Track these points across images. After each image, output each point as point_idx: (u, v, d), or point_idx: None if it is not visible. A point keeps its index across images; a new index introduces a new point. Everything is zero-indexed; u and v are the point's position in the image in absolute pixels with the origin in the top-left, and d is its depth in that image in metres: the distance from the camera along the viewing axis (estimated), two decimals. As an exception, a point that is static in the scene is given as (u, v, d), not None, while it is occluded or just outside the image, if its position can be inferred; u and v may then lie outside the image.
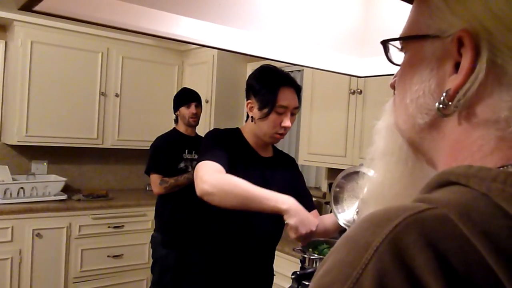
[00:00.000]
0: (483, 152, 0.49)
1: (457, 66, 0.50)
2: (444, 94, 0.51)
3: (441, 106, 0.51)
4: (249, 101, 1.79)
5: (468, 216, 0.41)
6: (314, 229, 1.50)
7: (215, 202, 1.55)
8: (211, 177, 1.55)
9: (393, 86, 0.62)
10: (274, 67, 1.79)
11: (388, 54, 0.62)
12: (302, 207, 1.50)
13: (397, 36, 0.59)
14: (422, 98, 0.54)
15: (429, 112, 0.54)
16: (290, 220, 1.47)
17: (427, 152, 0.57)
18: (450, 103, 0.50)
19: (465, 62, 0.49)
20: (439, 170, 0.52)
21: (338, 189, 1.68)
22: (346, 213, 1.67)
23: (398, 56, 0.61)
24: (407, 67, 0.57)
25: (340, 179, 1.66)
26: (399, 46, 0.60)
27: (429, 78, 0.53)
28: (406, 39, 0.58)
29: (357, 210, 1.60)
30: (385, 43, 0.62)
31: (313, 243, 1.80)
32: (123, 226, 3.92)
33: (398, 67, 0.61)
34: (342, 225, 1.65)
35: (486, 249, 0.39)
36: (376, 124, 0.66)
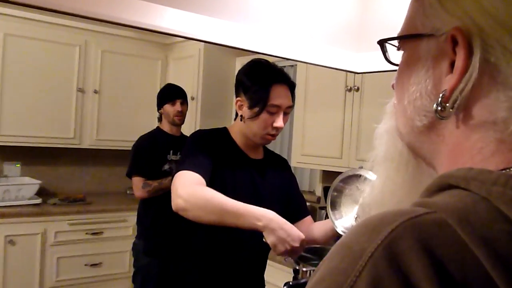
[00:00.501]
0: (483, 154, 0.50)
1: (453, 66, 0.51)
2: (440, 95, 0.52)
3: (438, 108, 0.52)
4: (238, 98, 1.78)
5: (467, 221, 0.42)
6: (296, 245, 1.48)
7: (189, 218, 1.55)
8: (186, 191, 1.54)
9: (393, 87, 0.63)
10: (266, 61, 1.78)
11: (386, 54, 0.64)
12: (283, 221, 1.48)
13: (397, 31, 0.61)
14: (420, 100, 0.55)
15: (427, 114, 0.55)
16: (268, 239, 1.47)
17: (427, 155, 0.58)
18: (446, 104, 0.51)
19: (459, 61, 0.50)
20: (440, 173, 0.53)
21: (335, 193, 1.68)
22: (344, 220, 1.67)
23: (398, 55, 0.62)
24: (405, 67, 0.59)
25: (338, 182, 1.66)
26: (397, 45, 0.61)
27: (426, 78, 0.54)
28: (402, 38, 0.59)
29: (356, 216, 1.61)
30: (382, 43, 0.63)
31: (309, 251, 1.80)
32: (102, 232, 3.90)
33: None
34: (340, 232, 1.65)
35: (484, 255, 0.40)
36: (376, 128, 0.68)
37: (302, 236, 1.51)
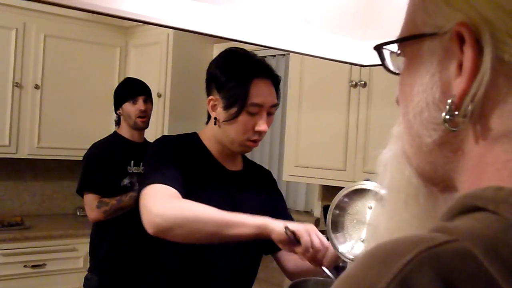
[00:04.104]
0: (510, 169, 0.52)
1: (462, 67, 0.53)
2: (449, 101, 0.54)
3: (447, 117, 0.54)
4: (211, 97, 1.79)
5: (495, 251, 0.43)
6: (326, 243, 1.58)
7: (176, 239, 1.57)
8: (165, 208, 1.56)
9: (398, 102, 0.65)
10: (244, 50, 1.79)
11: (385, 62, 0.67)
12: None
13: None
14: (427, 111, 0.57)
15: (437, 127, 0.57)
16: (292, 226, 1.52)
17: (443, 177, 0.60)
18: (456, 112, 0.54)
19: (467, 62, 0.52)
20: (463, 193, 0.55)
21: (338, 212, 1.70)
22: (349, 244, 1.69)
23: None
24: (406, 75, 0.61)
25: (341, 197, 1.68)
26: (397, 50, 0.63)
27: (432, 85, 0.57)
28: (402, 41, 0.62)
29: (363, 239, 1.63)
30: (379, 49, 0.66)
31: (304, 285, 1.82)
32: (44, 265, 3.87)
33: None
34: (345, 259, 1.67)
35: None
36: (380, 154, 0.70)
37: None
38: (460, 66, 0.53)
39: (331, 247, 1.59)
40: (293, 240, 1.52)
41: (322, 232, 3.29)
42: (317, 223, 3.59)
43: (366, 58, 1.70)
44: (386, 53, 0.66)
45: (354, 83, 2.95)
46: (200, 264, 1.76)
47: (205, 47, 4.36)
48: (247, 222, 1.53)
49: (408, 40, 0.60)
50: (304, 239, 1.52)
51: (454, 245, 0.45)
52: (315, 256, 1.56)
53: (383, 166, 0.69)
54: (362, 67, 2.70)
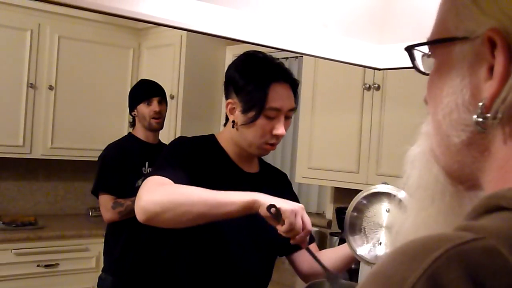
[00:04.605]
0: None
1: (492, 71, 0.56)
2: (480, 104, 0.56)
3: (479, 119, 0.57)
4: (229, 100, 1.80)
5: None
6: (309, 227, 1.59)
7: (166, 224, 1.61)
8: (154, 194, 1.60)
9: (426, 102, 0.68)
10: (263, 54, 1.81)
11: (415, 62, 0.69)
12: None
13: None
14: (456, 112, 0.60)
15: (465, 128, 0.59)
16: (279, 204, 1.53)
17: (470, 176, 0.63)
18: (488, 114, 0.56)
19: (498, 66, 0.55)
20: (488, 193, 0.58)
21: (355, 214, 1.72)
22: (366, 247, 1.71)
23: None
24: (436, 77, 0.64)
25: (360, 199, 1.70)
26: (428, 51, 0.66)
27: (462, 87, 0.59)
28: (433, 43, 0.64)
29: (380, 242, 1.65)
30: (410, 49, 0.68)
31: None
32: (57, 264, 3.89)
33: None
34: (364, 261, 1.69)
35: None
36: (408, 150, 0.72)
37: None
38: (490, 70, 0.56)
39: (311, 229, 1.62)
40: (276, 218, 1.53)
41: (335, 234, 3.31)
42: (329, 225, 3.60)
43: (381, 62, 1.71)
44: (416, 54, 0.69)
45: (367, 86, 2.96)
46: (216, 266, 1.78)
47: (218, 49, 4.39)
48: (236, 200, 1.55)
49: (440, 43, 0.63)
50: (288, 220, 1.53)
51: (481, 243, 0.47)
52: (295, 237, 1.58)
53: (410, 163, 0.71)
54: (376, 71, 2.71)
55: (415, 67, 0.70)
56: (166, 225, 1.62)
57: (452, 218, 0.65)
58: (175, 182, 1.65)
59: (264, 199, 1.55)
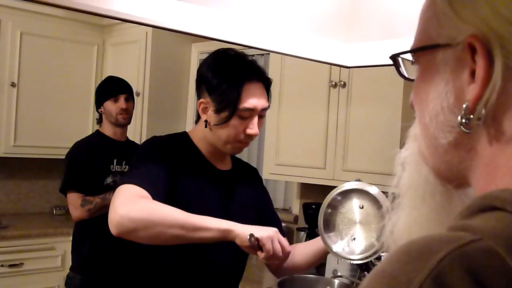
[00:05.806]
0: None
1: (474, 75, 0.60)
2: (464, 106, 0.61)
3: (463, 120, 0.61)
4: (201, 100, 1.79)
5: None
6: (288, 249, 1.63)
7: (140, 240, 1.61)
8: (130, 209, 1.57)
9: (412, 106, 0.72)
10: (235, 51, 1.79)
11: (400, 69, 0.74)
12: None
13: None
14: (442, 115, 0.64)
15: (452, 130, 0.64)
16: (257, 233, 1.56)
17: (458, 175, 0.67)
18: (471, 116, 0.60)
19: (479, 70, 0.59)
20: (477, 191, 0.63)
21: (330, 211, 1.75)
22: (341, 243, 1.74)
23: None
24: (421, 82, 0.68)
25: (334, 195, 1.73)
26: (411, 59, 0.70)
27: (446, 91, 0.64)
28: (417, 51, 0.69)
29: (354, 237, 1.69)
30: (394, 57, 0.73)
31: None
32: (22, 264, 3.86)
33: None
34: (340, 258, 1.72)
35: None
36: (398, 153, 0.76)
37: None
38: (472, 74, 0.60)
39: (290, 251, 1.67)
40: (256, 246, 1.57)
41: (302, 229, 3.35)
42: (296, 221, 3.64)
43: (349, 60, 1.75)
44: (401, 61, 0.74)
45: (334, 83, 3.00)
46: (191, 261, 1.80)
47: (184, 46, 4.39)
48: (212, 226, 1.57)
49: (423, 50, 0.67)
50: (267, 246, 1.57)
51: (480, 244, 0.50)
52: (274, 261, 1.64)
53: (400, 165, 0.76)
54: (342, 68, 2.75)
55: (400, 73, 0.74)
56: (139, 242, 1.62)
57: (443, 216, 0.70)
58: (153, 192, 1.64)
59: (240, 229, 1.57)
